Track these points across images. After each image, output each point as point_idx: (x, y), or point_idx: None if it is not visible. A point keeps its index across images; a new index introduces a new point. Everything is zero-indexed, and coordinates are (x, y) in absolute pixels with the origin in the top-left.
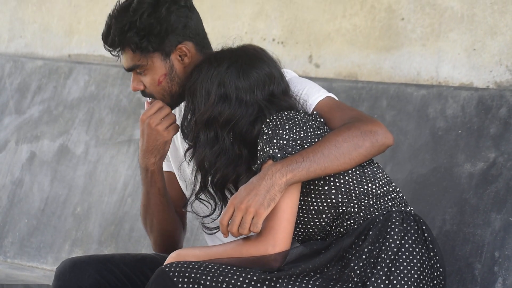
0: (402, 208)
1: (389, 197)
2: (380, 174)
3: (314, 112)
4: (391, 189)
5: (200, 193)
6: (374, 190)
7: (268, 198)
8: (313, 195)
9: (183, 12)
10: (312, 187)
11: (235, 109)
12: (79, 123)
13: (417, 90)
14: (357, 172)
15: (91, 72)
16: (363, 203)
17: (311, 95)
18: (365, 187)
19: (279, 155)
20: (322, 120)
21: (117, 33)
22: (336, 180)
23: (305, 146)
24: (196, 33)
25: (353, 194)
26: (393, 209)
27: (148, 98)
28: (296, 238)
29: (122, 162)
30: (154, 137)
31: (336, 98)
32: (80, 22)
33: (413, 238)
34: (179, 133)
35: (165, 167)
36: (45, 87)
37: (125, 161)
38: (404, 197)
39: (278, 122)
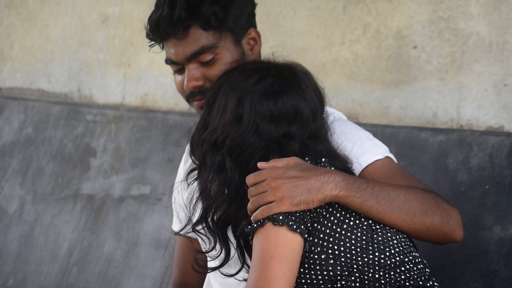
0: (420, 283)
1: (402, 268)
2: (395, 241)
3: (323, 159)
4: (406, 259)
5: (198, 225)
6: (382, 261)
7: (303, 199)
8: (306, 265)
9: None
10: (307, 254)
11: (245, 134)
12: (12, 174)
13: (433, 135)
14: (364, 237)
15: (27, 110)
16: (366, 277)
17: (366, 151)
18: (370, 256)
19: (281, 217)
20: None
21: (185, 5)
22: (335, 247)
23: None
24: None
25: (355, 266)
26: (407, 283)
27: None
28: None
29: (66, 223)
30: None
31: (396, 161)
32: (14, 46)
33: None
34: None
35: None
36: None
37: (70, 222)
38: (427, 270)
39: None
